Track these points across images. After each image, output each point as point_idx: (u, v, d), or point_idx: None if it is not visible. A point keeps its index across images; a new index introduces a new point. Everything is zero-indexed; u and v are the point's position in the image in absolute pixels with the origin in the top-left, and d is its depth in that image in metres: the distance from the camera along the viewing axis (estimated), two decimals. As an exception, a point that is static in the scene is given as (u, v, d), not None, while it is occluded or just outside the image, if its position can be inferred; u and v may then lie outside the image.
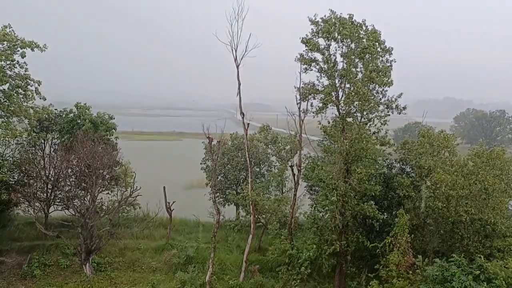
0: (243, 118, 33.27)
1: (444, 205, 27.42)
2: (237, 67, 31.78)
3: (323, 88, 29.81)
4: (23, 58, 32.83)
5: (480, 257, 22.62)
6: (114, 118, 41.54)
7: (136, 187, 35.49)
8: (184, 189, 68.09)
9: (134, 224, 40.64)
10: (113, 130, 40.46)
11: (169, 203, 39.26)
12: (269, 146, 45.70)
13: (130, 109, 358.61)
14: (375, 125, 30.44)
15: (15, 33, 32.35)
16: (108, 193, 37.55)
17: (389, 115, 30.22)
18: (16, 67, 32.70)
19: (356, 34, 28.77)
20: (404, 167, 33.69)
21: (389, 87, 29.88)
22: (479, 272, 21.59)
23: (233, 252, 37.56)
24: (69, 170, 34.22)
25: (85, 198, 33.53)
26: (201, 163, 48.74)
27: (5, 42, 31.66)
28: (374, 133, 30.71)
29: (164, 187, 40.04)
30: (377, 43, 29.14)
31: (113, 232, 33.90)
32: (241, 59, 31.35)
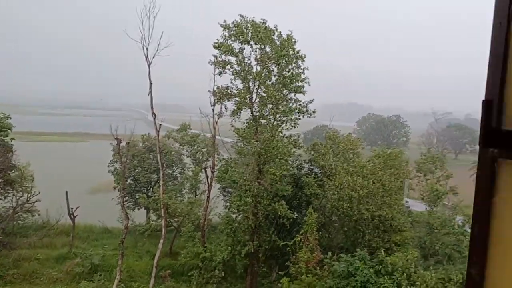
0: (154, 118, 32.29)
1: (348, 205, 29.26)
2: (149, 66, 30.81)
3: (237, 91, 30.15)
4: None
5: (381, 252, 24.46)
6: (10, 118, 37.63)
7: (34, 192, 32.57)
8: (90, 193, 64.14)
9: (31, 232, 37.24)
10: (8, 130, 36.59)
11: (72, 208, 36.74)
12: (184, 147, 44.84)
13: (29, 107, 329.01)
14: (287, 127, 31.52)
15: None
16: (1, 199, 33.96)
17: (300, 118, 31.51)
18: None
19: (270, 39, 29.56)
20: (312, 167, 35.30)
21: (301, 93, 31.18)
22: (381, 266, 23.33)
23: (142, 258, 36.21)
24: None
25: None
26: (108, 166, 46.29)
27: None
28: (285, 136, 31.77)
29: (66, 191, 37.30)
30: (291, 50, 30.22)
31: (6, 242, 30.71)
32: (153, 58, 30.48)
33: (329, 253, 26.91)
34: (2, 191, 33.84)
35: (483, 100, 1.64)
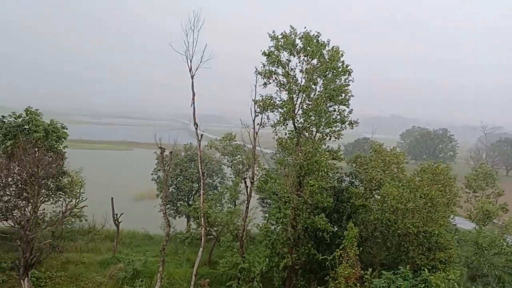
0: (196, 129, 32.96)
1: (394, 217, 28.39)
2: (192, 77, 31.54)
3: (281, 102, 30.27)
4: None
5: (425, 270, 23.51)
6: (67, 128, 39.75)
7: (82, 197, 33.96)
8: (134, 201, 66.15)
9: (78, 236, 38.81)
10: (63, 139, 38.68)
11: (116, 214, 37.90)
12: (226, 156, 45.35)
13: (78, 116, 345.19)
14: (330, 139, 31.24)
15: None
16: (52, 203, 35.67)
17: (342, 130, 31.19)
18: None
19: (319, 53, 29.54)
20: (353, 180, 34.65)
21: (345, 106, 30.90)
22: (424, 285, 22.39)
23: (182, 265, 36.73)
24: (9, 179, 32.12)
25: (26, 209, 31.56)
26: (152, 174, 47.61)
27: None
28: (328, 148, 31.47)
29: (112, 198, 38.62)
30: (339, 63, 30.10)
31: (55, 245, 32.10)
32: (196, 69, 31.21)
33: (370, 269, 26.18)
34: (53, 196, 35.53)
35: None
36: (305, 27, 30.48)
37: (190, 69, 31.30)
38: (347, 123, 31.06)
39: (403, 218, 28.57)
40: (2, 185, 32.29)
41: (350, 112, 31.20)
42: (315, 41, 29.91)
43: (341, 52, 30.42)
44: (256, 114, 31.54)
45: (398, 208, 28.25)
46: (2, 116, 37.06)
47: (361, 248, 28.26)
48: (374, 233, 30.83)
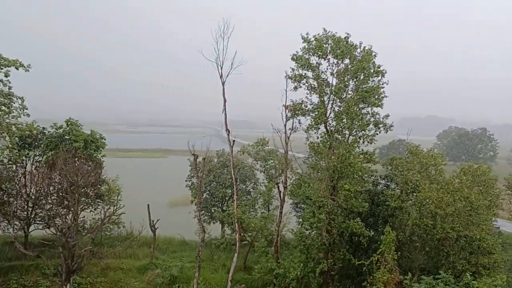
0: (228, 135, 33.25)
1: (432, 222, 27.53)
2: (223, 84, 31.92)
3: (312, 106, 30.05)
4: (6, 77, 32.43)
5: (467, 275, 22.61)
6: (105, 139, 41.08)
7: (120, 205, 34.84)
8: (169, 207, 67.22)
9: (117, 243, 39.72)
10: (101, 148, 39.99)
11: (153, 221, 38.60)
12: (258, 162, 45.43)
13: (115, 126, 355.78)
14: (363, 142, 30.70)
15: None
16: (91, 211, 36.77)
17: (377, 133, 30.55)
18: None
19: (350, 55, 29.18)
20: (389, 183, 33.88)
21: (378, 107, 30.32)
22: None
23: (218, 271, 36.92)
24: (51, 188, 33.42)
25: (67, 217, 32.69)
26: (186, 180, 48.27)
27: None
28: (362, 151, 30.92)
29: (148, 204, 39.41)
30: (371, 64, 29.62)
31: (95, 251, 32.99)
32: (227, 76, 31.57)
33: (409, 274, 25.44)
34: (93, 203, 36.65)
35: None
36: (331, 31, 30.18)
37: (221, 76, 31.69)
38: (381, 126, 30.39)
39: (442, 223, 27.64)
40: (44, 194, 33.69)
41: (387, 116, 30.53)
42: (344, 42, 29.56)
43: (373, 53, 29.90)
44: (288, 118, 31.46)
45: (437, 213, 27.36)
46: (43, 127, 38.65)
47: (399, 253, 27.52)
48: (412, 237, 29.95)
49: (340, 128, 30.20)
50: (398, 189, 32.27)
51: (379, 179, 34.37)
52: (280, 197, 34.31)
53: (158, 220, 38.86)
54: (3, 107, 32.61)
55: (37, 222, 36.12)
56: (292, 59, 30.39)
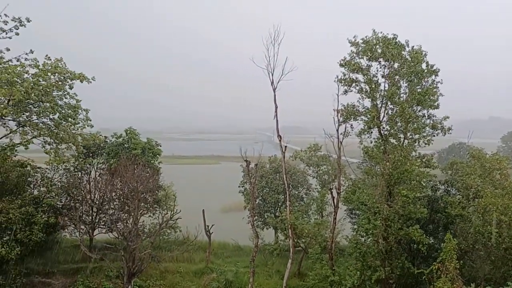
0: (280, 141, 33.36)
1: (497, 230, 26.03)
2: (274, 90, 32.13)
3: (364, 110, 29.55)
4: (71, 89, 34.64)
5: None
6: (160, 145, 42.82)
7: (176, 210, 35.97)
8: (222, 212, 68.31)
9: (174, 247, 40.97)
10: (157, 155, 41.69)
11: (208, 226, 39.44)
12: (311, 167, 45.17)
13: (169, 134, 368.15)
14: (420, 146, 29.69)
15: (66, 66, 34.19)
16: (150, 216, 38.24)
17: (434, 135, 29.45)
18: (66, 97, 34.42)
19: (400, 55, 28.48)
20: (449, 189, 32.42)
21: (435, 109, 29.25)
22: None
23: (272, 276, 37.00)
24: (113, 194, 35.20)
25: (128, 221, 34.25)
26: (239, 186, 48.93)
27: (56, 74, 33.52)
28: (419, 155, 29.90)
29: (203, 210, 40.37)
30: (423, 64, 28.73)
31: (154, 255, 34.25)
32: (278, 82, 31.77)
33: (472, 285, 24.13)
34: (151, 208, 38.17)
35: None
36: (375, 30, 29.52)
37: (272, 82, 31.94)
38: (439, 129, 29.23)
39: (508, 231, 26.00)
40: (107, 199, 35.57)
41: (445, 118, 29.33)
42: (393, 43, 28.84)
43: (424, 52, 28.93)
44: (340, 123, 31.08)
45: (502, 221, 25.79)
46: (105, 136, 40.91)
47: (461, 262, 26.18)
48: (476, 245, 28.40)
49: (395, 132, 29.41)
50: (459, 194, 30.81)
51: (439, 184, 33.00)
52: (333, 203, 33.87)
53: (213, 225, 39.65)
54: (70, 119, 34.84)
55: (101, 226, 38.14)
56: (341, 65, 30.09)
